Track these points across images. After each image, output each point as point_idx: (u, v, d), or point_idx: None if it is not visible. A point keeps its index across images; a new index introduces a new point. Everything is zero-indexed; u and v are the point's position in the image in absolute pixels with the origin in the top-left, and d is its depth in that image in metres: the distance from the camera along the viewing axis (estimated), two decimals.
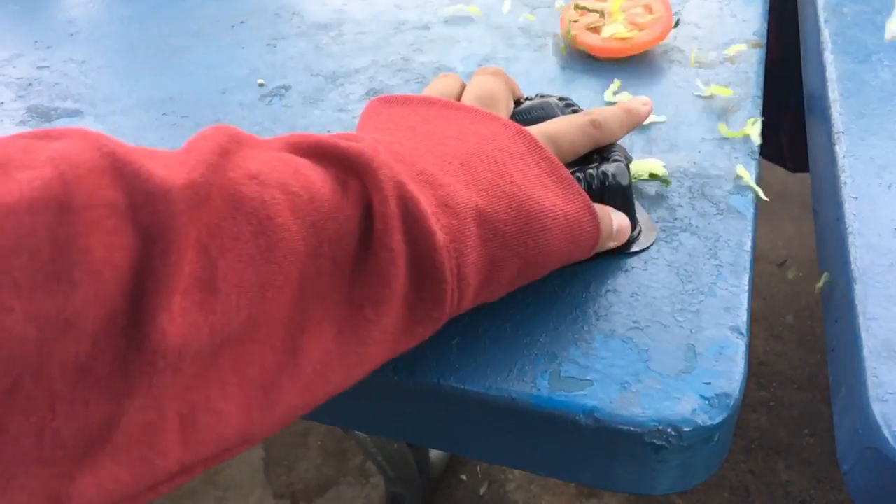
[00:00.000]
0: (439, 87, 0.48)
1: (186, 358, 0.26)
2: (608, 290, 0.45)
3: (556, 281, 0.45)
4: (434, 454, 1.28)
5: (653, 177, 0.51)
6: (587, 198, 0.41)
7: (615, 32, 0.64)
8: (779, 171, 1.29)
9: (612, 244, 0.45)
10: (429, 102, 0.43)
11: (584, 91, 0.61)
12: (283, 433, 1.39)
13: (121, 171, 0.25)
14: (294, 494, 1.32)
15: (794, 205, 1.75)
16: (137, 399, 0.25)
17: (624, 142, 0.56)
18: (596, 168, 0.45)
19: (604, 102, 0.60)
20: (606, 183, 0.45)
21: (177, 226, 0.25)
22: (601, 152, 0.47)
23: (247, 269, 0.28)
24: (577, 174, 0.44)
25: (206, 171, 0.27)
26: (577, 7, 0.67)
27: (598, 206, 0.43)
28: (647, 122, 0.57)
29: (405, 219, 0.33)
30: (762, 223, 1.69)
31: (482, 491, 1.29)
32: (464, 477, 1.31)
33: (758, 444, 1.33)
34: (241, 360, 0.29)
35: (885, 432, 0.36)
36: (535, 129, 0.43)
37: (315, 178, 0.32)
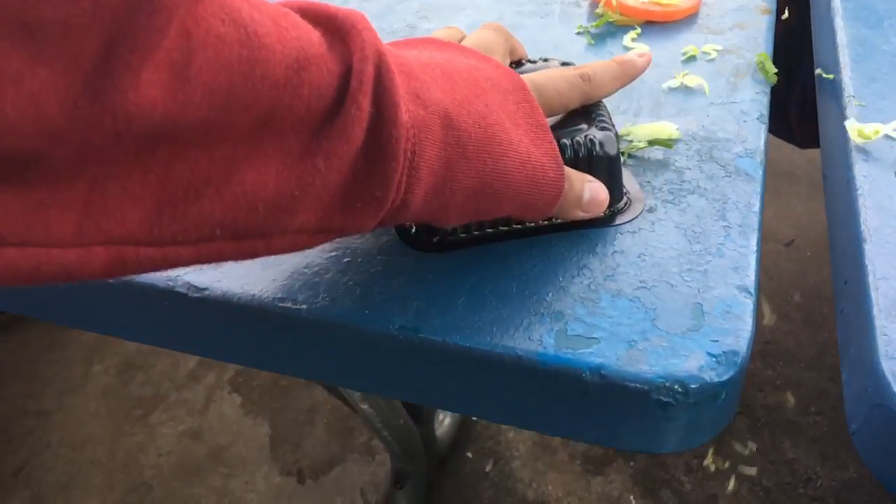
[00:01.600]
0: (441, 35, 0.48)
1: (132, 129, 0.25)
2: (615, 252, 0.44)
3: (563, 242, 0.45)
4: (440, 431, 1.28)
5: (653, 143, 0.51)
6: (556, 148, 0.41)
7: None
8: (786, 151, 1.28)
9: (583, 215, 0.45)
10: (426, 39, 0.44)
11: (589, 57, 0.61)
12: (290, 410, 1.40)
13: None
14: (300, 471, 1.32)
15: (803, 185, 1.74)
16: (70, 148, 0.25)
17: (631, 107, 0.55)
18: (584, 136, 0.44)
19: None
20: (594, 153, 0.44)
21: None
22: (589, 115, 0.46)
23: (221, 73, 0.27)
24: (564, 141, 0.44)
25: None
26: None
27: (574, 172, 0.43)
28: (671, 85, 0.56)
29: (377, 86, 0.33)
30: (770, 203, 1.68)
31: (488, 468, 1.30)
32: (469, 454, 1.32)
33: (764, 422, 1.33)
34: (176, 158, 0.28)
35: (895, 388, 0.35)
36: (522, 77, 0.43)
37: (305, 27, 0.32)
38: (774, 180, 1.74)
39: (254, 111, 0.29)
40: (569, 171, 0.43)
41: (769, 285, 1.53)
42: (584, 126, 0.45)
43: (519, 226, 0.46)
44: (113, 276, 0.29)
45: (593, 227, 0.46)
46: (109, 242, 0.28)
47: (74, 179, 0.26)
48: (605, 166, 0.45)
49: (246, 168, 0.30)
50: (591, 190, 0.44)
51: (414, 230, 0.46)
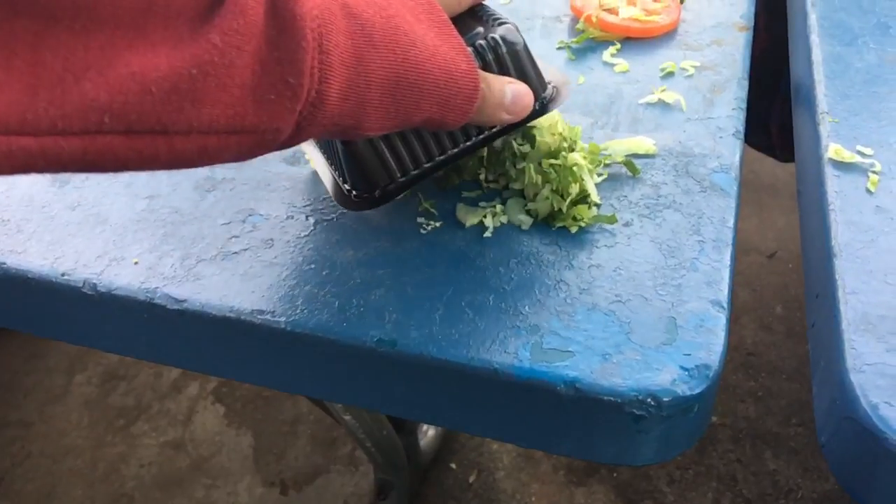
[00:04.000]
0: None
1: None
2: (592, 265, 0.45)
3: (540, 254, 0.46)
4: (423, 442, 1.28)
5: (627, 163, 0.51)
6: (462, 42, 0.41)
7: (634, 15, 0.65)
8: (768, 164, 1.30)
9: (509, 117, 0.44)
10: None
11: (570, 72, 0.62)
12: (273, 421, 1.40)
13: None
14: (283, 482, 1.32)
15: (784, 197, 1.75)
16: None
17: (609, 122, 0.56)
18: (484, 38, 0.43)
19: (598, 73, 0.60)
20: (499, 51, 0.43)
21: None
22: (477, 16, 0.45)
23: None
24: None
25: None
26: None
27: (491, 75, 0.42)
28: (649, 101, 0.57)
29: None
30: (752, 215, 1.70)
31: (471, 479, 1.30)
32: (453, 465, 1.32)
33: (746, 433, 1.34)
34: (42, 41, 0.27)
35: (863, 402, 0.36)
36: None
37: None
38: (757, 193, 1.76)
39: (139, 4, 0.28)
40: (485, 74, 0.42)
41: (751, 297, 1.55)
42: (480, 28, 0.44)
43: (455, 149, 0.45)
44: None
45: (528, 124, 0.46)
46: None
47: None
48: (517, 60, 0.44)
49: (131, 55, 0.28)
50: (512, 91, 0.43)
51: (354, 193, 0.46)
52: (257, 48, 0.31)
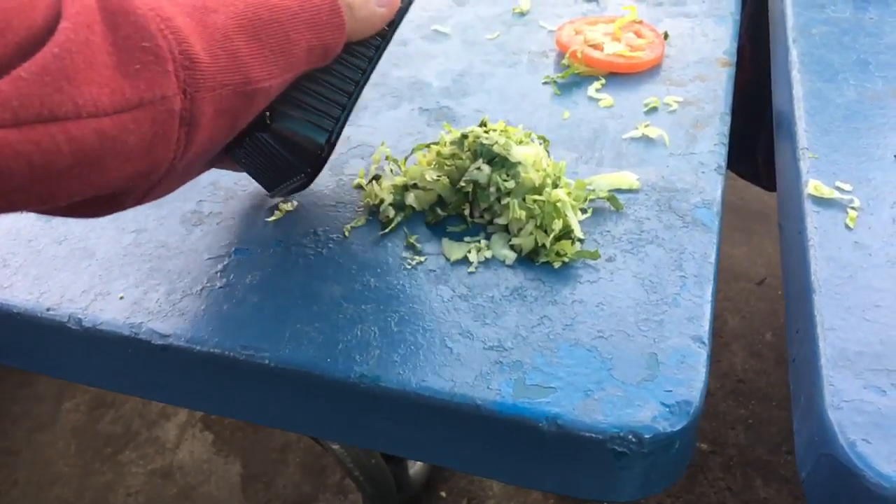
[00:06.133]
0: None
1: None
2: (575, 301, 0.45)
3: (524, 289, 0.46)
4: (413, 471, 1.27)
5: (611, 198, 0.52)
6: None
7: (618, 51, 0.66)
8: (758, 191, 1.31)
9: (384, 10, 0.44)
10: None
11: (555, 107, 0.62)
12: (262, 449, 1.39)
13: None
14: None
15: (773, 224, 1.76)
16: None
17: (593, 157, 0.57)
18: None
19: (584, 110, 0.61)
20: None
21: None
22: None
23: None
24: None
25: None
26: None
27: None
28: (633, 136, 0.58)
29: None
30: (742, 242, 1.71)
31: None
32: (443, 494, 1.31)
33: (736, 461, 1.33)
34: None
35: (840, 439, 0.36)
36: None
37: None
38: (746, 220, 1.77)
39: None
40: None
41: (741, 324, 1.55)
42: None
43: (360, 62, 0.46)
44: None
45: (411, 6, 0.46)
46: None
47: None
48: None
49: None
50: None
51: (308, 171, 0.46)
52: (103, 29, 0.32)
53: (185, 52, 0.34)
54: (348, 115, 0.46)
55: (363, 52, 0.46)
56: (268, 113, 0.44)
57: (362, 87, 0.46)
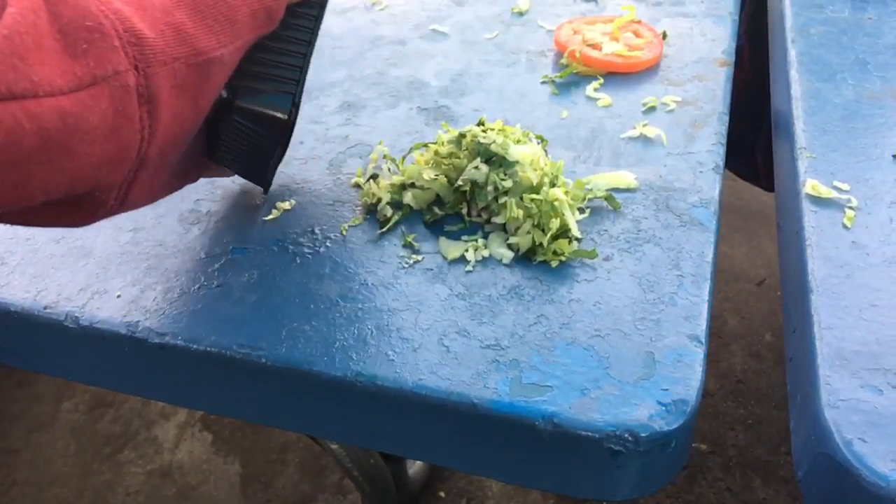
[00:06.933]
0: None
1: None
2: (572, 300, 0.45)
3: (521, 288, 0.46)
4: (412, 471, 1.27)
5: (608, 198, 0.52)
6: None
7: (617, 50, 0.66)
8: (757, 191, 1.31)
9: None
10: None
11: (553, 106, 0.62)
12: (262, 449, 1.39)
13: None
14: None
15: (773, 225, 1.77)
16: None
17: (591, 156, 0.57)
18: None
19: (579, 108, 0.61)
20: None
21: None
22: None
23: None
24: None
25: None
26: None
27: None
28: (631, 135, 0.58)
29: None
30: (741, 242, 1.71)
31: None
32: (442, 494, 1.31)
33: (735, 461, 1.33)
34: None
35: (836, 438, 0.36)
36: None
37: None
38: (746, 220, 1.77)
39: None
40: None
41: (740, 324, 1.55)
42: None
43: (307, 21, 0.47)
44: None
45: None
46: None
47: None
48: None
49: None
50: None
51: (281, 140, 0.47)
52: (47, 16, 0.32)
53: (130, 30, 0.35)
54: (305, 75, 0.47)
55: (308, 13, 0.47)
56: (230, 92, 0.45)
57: (313, 46, 0.47)
